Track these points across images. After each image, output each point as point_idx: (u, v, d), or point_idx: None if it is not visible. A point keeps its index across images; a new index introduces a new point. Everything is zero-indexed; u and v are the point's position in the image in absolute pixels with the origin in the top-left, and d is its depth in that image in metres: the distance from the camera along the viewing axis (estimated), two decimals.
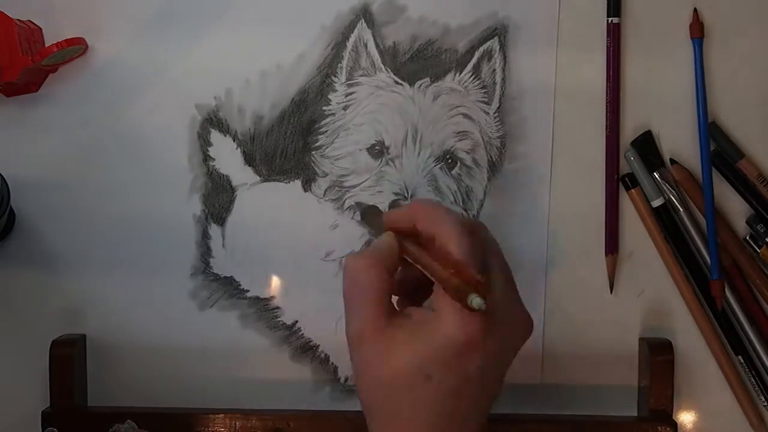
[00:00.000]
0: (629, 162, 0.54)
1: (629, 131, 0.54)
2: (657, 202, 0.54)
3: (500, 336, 0.39)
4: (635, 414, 0.54)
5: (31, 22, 0.53)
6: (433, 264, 0.39)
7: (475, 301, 0.36)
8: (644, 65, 0.54)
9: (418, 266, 0.40)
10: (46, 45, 0.53)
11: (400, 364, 0.38)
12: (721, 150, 0.54)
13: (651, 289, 0.55)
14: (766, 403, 0.54)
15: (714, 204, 0.53)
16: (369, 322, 0.39)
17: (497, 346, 0.39)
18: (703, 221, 0.54)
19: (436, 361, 0.38)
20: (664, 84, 0.54)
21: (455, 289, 0.37)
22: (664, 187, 0.54)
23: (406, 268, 0.42)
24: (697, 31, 0.53)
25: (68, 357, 0.53)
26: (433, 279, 0.39)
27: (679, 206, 0.54)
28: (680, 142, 0.54)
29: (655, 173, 0.54)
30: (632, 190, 0.54)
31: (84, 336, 0.55)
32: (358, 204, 0.53)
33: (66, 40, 0.52)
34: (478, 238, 0.41)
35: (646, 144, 0.54)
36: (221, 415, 0.53)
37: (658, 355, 0.52)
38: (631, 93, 0.54)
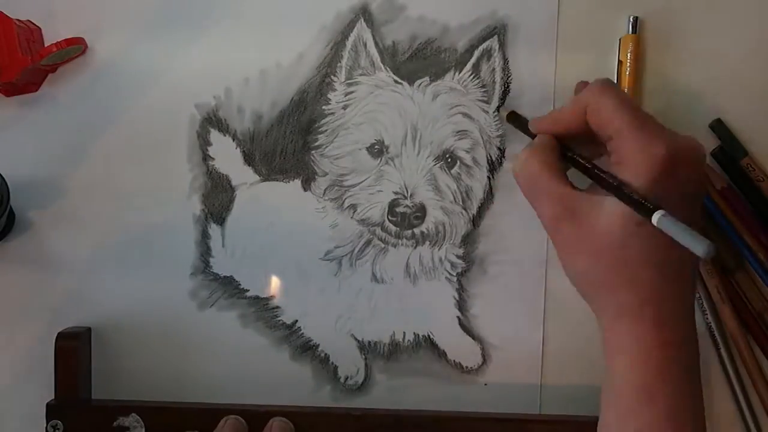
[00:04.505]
0: None
1: None
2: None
3: (683, 160, 0.40)
4: None
5: (31, 22, 0.53)
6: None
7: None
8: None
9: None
10: (46, 45, 0.53)
11: (609, 221, 0.39)
12: (725, 147, 0.53)
13: None
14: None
15: None
16: (561, 200, 0.41)
17: (684, 171, 0.40)
18: None
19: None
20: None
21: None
22: None
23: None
24: None
25: (73, 350, 0.53)
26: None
27: None
28: None
29: None
30: None
31: (89, 329, 0.55)
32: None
33: (66, 40, 0.52)
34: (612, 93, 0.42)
35: None
36: (224, 410, 0.53)
37: None
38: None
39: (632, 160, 0.40)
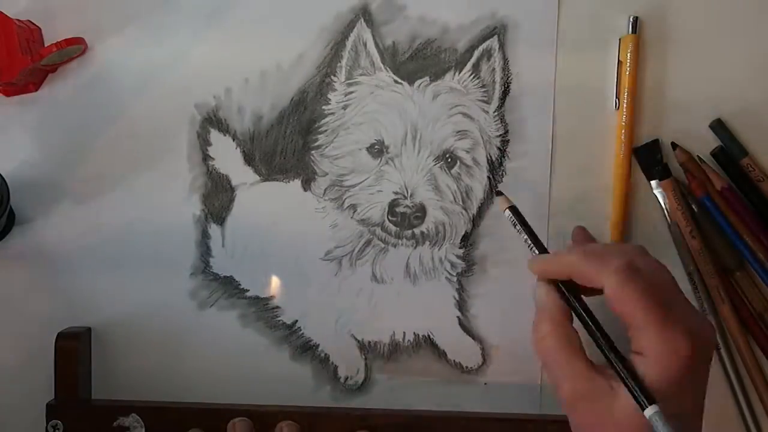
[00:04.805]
0: None
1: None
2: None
3: (704, 353, 0.41)
4: None
5: (31, 22, 0.53)
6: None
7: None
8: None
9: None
10: (46, 45, 0.53)
11: (628, 411, 0.39)
12: (725, 147, 0.53)
13: None
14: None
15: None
16: (579, 379, 0.41)
17: (700, 363, 0.41)
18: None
19: (660, 400, 0.39)
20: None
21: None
22: (659, 199, 0.54)
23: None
24: None
25: (73, 350, 0.53)
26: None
27: (668, 219, 0.54)
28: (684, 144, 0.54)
29: (651, 182, 0.54)
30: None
31: (89, 329, 0.55)
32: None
33: (65, 40, 0.52)
34: (634, 284, 0.41)
35: (651, 152, 0.54)
36: (224, 410, 0.53)
37: None
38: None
39: (655, 356, 0.39)
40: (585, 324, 0.43)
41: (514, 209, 0.47)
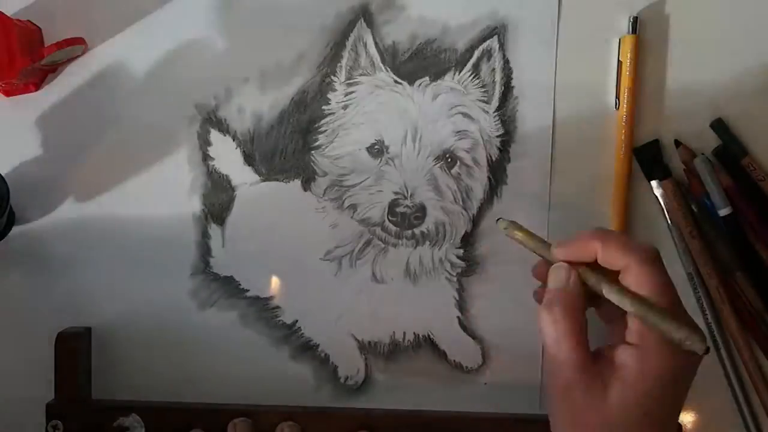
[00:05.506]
0: None
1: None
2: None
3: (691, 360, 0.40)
4: None
5: (30, 22, 0.53)
6: (631, 300, 0.40)
7: (696, 346, 0.37)
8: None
9: (603, 294, 0.41)
10: (46, 45, 0.53)
11: (617, 404, 0.39)
12: (726, 146, 0.53)
13: None
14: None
15: None
16: (575, 369, 0.41)
17: (691, 368, 0.41)
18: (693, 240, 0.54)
19: (651, 397, 0.39)
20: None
21: (665, 330, 0.39)
22: (659, 199, 0.54)
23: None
24: None
25: (73, 350, 0.54)
26: (627, 309, 0.40)
27: (668, 219, 0.54)
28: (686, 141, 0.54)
29: (652, 182, 0.54)
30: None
31: (89, 329, 0.55)
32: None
33: (65, 40, 0.52)
34: (663, 269, 0.41)
35: (651, 152, 0.54)
36: (224, 410, 0.53)
37: None
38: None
39: (653, 348, 0.40)
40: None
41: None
